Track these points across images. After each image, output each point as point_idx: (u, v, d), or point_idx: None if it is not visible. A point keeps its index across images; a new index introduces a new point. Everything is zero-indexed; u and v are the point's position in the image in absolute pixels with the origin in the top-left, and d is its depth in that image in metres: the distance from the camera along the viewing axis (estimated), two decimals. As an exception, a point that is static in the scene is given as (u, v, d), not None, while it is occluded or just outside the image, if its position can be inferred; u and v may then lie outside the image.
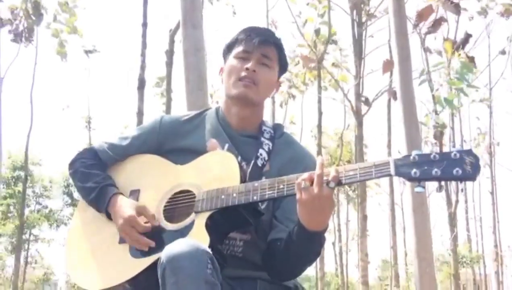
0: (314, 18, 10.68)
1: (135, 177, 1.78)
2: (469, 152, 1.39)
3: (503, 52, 10.84)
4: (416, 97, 5.24)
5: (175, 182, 1.70)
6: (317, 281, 14.50)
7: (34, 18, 10.97)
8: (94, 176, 1.77)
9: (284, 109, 14.37)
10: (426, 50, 7.43)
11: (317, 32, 10.41)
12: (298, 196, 1.47)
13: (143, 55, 7.50)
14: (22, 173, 16.52)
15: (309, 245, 1.55)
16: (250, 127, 1.81)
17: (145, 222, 1.63)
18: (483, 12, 8.44)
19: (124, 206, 1.67)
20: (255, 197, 1.55)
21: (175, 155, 1.76)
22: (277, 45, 1.82)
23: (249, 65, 1.76)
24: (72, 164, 1.85)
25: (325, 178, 1.46)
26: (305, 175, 1.48)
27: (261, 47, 1.78)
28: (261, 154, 1.74)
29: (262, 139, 1.78)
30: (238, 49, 1.80)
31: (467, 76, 5.32)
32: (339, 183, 1.46)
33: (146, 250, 1.61)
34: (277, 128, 1.85)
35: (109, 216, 1.72)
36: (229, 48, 1.84)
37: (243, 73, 1.76)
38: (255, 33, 1.80)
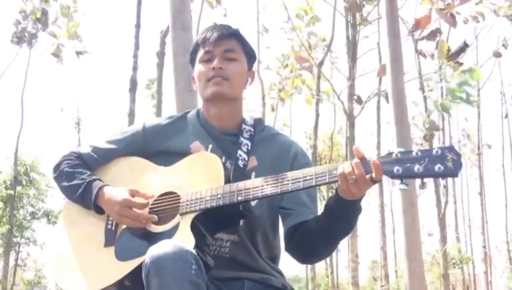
0: (302, 28, 10.82)
1: (120, 180, 1.78)
2: (451, 149, 1.40)
3: (497, 55, 10.83)
4: (407, 98, 5.28)
5: (160, 184, 1.69)
6: (307, 281, 14.52)
7: (40, 24, 11.00)
8: (80, 174, 1.77)
9: (275, 113, 14.36)
10: (420, 53, 7.49)
11: (307, 40, 10.57)
12: (344, 187, 1.49)
13: (135, 56, 7.47)
14: (24, 177, 16.45)
15: (352, 214, 1.58)
16: (231, 125, 1.81)
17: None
18: (480, 15, 8.49)
19: (116, 193, 1.67)
20: (239, 198, 1.55)
21: (159, 157, 1.77)
22: (237, 36, 1.81)
23: (214, 64, 1.75)
24: (56, 167, 1.84)
25: (366, 169, 1.46)
26: (348, 167, 1.47)
27: (221, 43, 1.77)
28: (240, 155, 1.74)
29: (241, 139, 1.78)
30: (201, 52, 1.80)
31: (467, 88, 5.33)
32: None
33: (149, 226, 1.62)
34: (258, 123, 1.85)
35: (97, 211, 1.71)
36: (193, 56, 1.85)
37: (211, 73, 1.76)
38: (211, 32, 1.79)
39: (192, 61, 1.86)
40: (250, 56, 1.85)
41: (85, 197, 1.72)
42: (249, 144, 1.77)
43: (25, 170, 16.35)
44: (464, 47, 6.61)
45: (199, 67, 1.80)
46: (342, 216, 1.58)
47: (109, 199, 1.67)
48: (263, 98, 13.29)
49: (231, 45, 1.79)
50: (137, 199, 1.65)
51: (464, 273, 20.06)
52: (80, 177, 1.75)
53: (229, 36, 1.79)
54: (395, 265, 18.94)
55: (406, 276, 5.12)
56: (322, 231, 1.62)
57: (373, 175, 1.45)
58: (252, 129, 1.82)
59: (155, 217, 1.62)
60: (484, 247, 19.66)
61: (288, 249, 1.71)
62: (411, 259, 4.99)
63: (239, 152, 1.75)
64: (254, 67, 1.93)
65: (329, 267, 16.68)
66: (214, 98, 1.77)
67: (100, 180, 1.75)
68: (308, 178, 1.52)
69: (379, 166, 1.44)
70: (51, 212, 17.64)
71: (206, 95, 1.78)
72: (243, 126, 1.81)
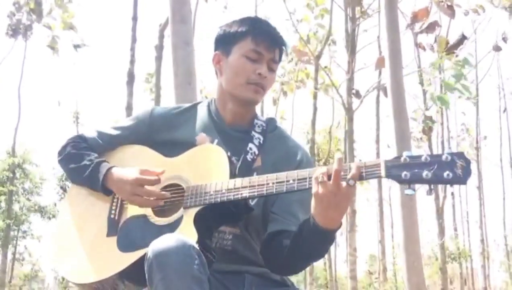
0: (310, 19, 10.74)
1: (123, 168, 1.76)
2: (461, 155, 1.37)
3: (497, 49, 10.78)
4: (406, 91, 5.28)
5: (164, 175, 1.68)
6: (305, 275, 14.56)
7: (34, 15, 10.97)
8: (87, 155, 1.75)
9: (276, 106, 14.34)
10: (419, 46, 7.47)
11: (314, 33, 10.49)
12: (314, 190, 1.44)
13: (132, 49, 7.48)
14: (18, 169, 16.42)
15: (320, 242, 1.52)
16: (243, 122, 1.79)
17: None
18: (480, 8, 8.47)
19: (127, 173, 1.66)
20: (244, 194, 1.54)
21: (165, 147, 1.74)
22: (283, 48, 1.79)
23: (262, 71, 1.71)
24: (62, 149, 1.81)
25: (343, 174, 1.41)
26: (324, 169, 1.44)
27: (273, 51, 1.74)
28: (250, 149, 1.72)
29: (253, 133, 1.76)
30: (248, 46, 1.72)
31: (463, 75, 5.31)
32: (360, 179, 1.41)
33: (151, 217, 1.61)
34: (270, 122, 1.83)
35: (105, 192, 1.70)
36: (233, 38, 1.74)
37: (254, 78, 1.71)
38: (267, 33, 1.73)
39: (227, 44, 1.75)
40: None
41: (93, 177, 1.70)
42: (261, 138, 1.75)
43: (18, 162, 16.31)
44: (462, 40, 6.62)
45: (241, 61, 1.72)
46: (310, 240, 1.51)
47: (120, 180, 1.65)
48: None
49: (278, 56, 1.77)
50: (148, 177, 1.63)
51: (462, 267, 20.12)
52: (88, 158, 1.74)
53: (279, 46, 1.76)
54: (393, 259, 18.99)
55: (404, 270, 5.13)
56: (291, 249, 1.57)
57: (350, 173, 1.40)
58: (264, 125, 1.80)
59: (167, 194, 1.60)
60: (482, 241, 19.71)
61: (262, 253, 1.68)
62: (409, 253, 5.00)
63: (250, 145, 1.72)
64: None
65: (327, 260, 16.72)
66: (245, 102, 1.74)
67: (107, 162, 1.74)
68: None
69: (358, 167, 1.41)
70: (45, 208, 17.64)
71: (239, 95, 1.73)
72: (255, 121, 1.79)
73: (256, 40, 1.71)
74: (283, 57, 1.85)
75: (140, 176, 1.63)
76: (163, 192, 1.61)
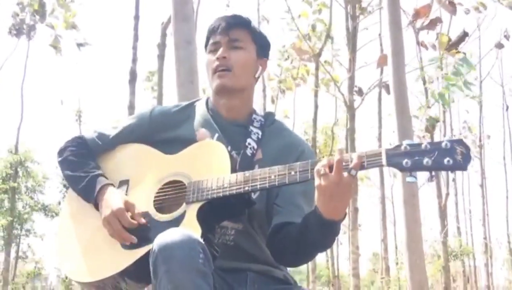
0: (309, 14, 10.71)
1: (124, 167, 1.77)
2: (460, 142, 1.39)
3: (499, 46, 10.74)
4: (408, 89, 5.26)
5: (165, 172, 1.69)
6: (308, 273, 14.56)
7: (38, 15, 11.03)
8: (84, 165, 1.76)
9: (275, 105, 14.33)
10: (421, 44, 7.45)
11: (313, 27, 10.45)
12: (317, 182, 1.45)
13: (134, 48, 7.50)
14: (20, 167, 16.48)
15: (325, 233, 1.54)
16: (240, 116, 1.80)
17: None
18: (481, 6, 8.45)
19: (114, 198, 1.65)
20: (246, 188, 1.54)
21: (165, 145, 1.75)
22: (246, 25, 1.80)
23: (218, 54, 1.76)
24: (61, 152, 1.82)
25: (344, 164, 1.43)
26: (325, 161, 1.46)
27: (227, 32, 1.77)
28: (249, 143, 1.73)
29: (251, 128, 1.77)
30: (209, 43, 1.81)
31: (466, 72, 5.28)
32: (361, 168, 1.43)
33: (154, 215, 1.61)
34: (268, 116, 1.84)
35: (97, 206, 1.70)
36: (205, 46, 1.85)
37: (215, 64, 1.76)
38: (218, 22, 1.79)
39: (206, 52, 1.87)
40: (261, 45, 1.83)
41: (87, 191, 1.71)
42: (260, 133, 1.77)
43: (20, 160, 16.38)
44: (463, 36, 6.61)
45: (207, 58, 1.80)
46: (315, 231, 1.53)
47: (106, 200, 1.66)
48: (263, 90, 13.28)
49: (237, 35, 1.77)
50: (128, 215, 1.62)
51: (465, 265, 20.10)
52: (84, 169, 1.74)
53: (235, 26, 1.78)
54: (396, 258, 18.98)
55: (406, 268, 5.12)
56: (296, 240, 1.59)
57: (352, 163, 1.42)
58: (262, 120, 1.81)
59: (134, 239, 1.58)
60: (485, 239, 19.69)
61: (268, 246, 1.69)
62: (412, 251, 4.99)
63: (249, 140, 1.74)
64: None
65: (329, 258, 16.72)
66: (219, 91, 1.77)
67: (104, 175, 1.74)
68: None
69: (359, 156, 1.43)
70: (48, 206, 17.69)
71: (213, 88, 1.78)
72: (254, 116, 1.81)
73: (212, 34, 1.80)
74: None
75: (122, 208, 1.61)
76: (131, 236, 1.59)
